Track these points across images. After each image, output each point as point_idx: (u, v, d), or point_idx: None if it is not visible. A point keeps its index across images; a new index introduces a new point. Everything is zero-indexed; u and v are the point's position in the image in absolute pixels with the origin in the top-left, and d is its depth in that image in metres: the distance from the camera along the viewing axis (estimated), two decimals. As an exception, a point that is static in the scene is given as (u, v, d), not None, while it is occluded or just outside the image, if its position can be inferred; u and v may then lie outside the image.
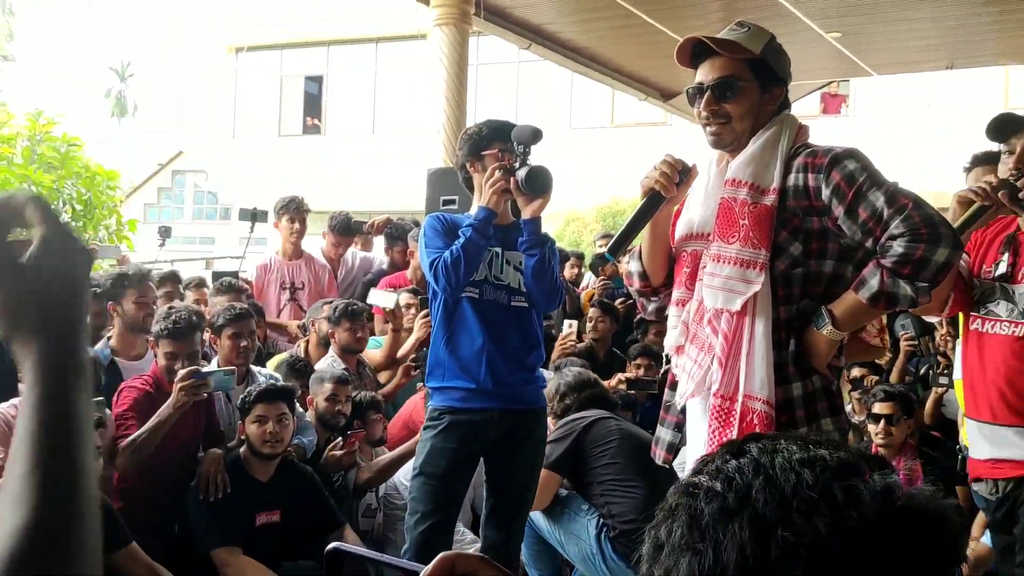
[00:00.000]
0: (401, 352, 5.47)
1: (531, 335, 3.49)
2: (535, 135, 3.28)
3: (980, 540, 4.26)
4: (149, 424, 3.87)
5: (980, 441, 2.96)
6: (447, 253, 3.30)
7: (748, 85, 2.55)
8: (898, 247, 2.30)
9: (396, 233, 6.73)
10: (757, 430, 2.42)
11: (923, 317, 4.14)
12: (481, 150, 3.46)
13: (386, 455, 4.56)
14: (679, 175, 2.61)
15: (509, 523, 3.58)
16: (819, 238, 2.46)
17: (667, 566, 0.82)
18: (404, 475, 4.38)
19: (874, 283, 2.36)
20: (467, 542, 4.22)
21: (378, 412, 4.81)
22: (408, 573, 0.78)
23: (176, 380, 3.87)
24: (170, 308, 4.29)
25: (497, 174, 3.31)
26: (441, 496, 3.41)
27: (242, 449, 4.06)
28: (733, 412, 2.48)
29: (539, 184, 3.28)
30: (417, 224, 6.41)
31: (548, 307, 3.58)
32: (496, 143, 3.44)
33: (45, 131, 9.19)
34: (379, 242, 7.23)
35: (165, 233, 7.85)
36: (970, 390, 3.00)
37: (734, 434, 2.48)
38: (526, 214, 3.36)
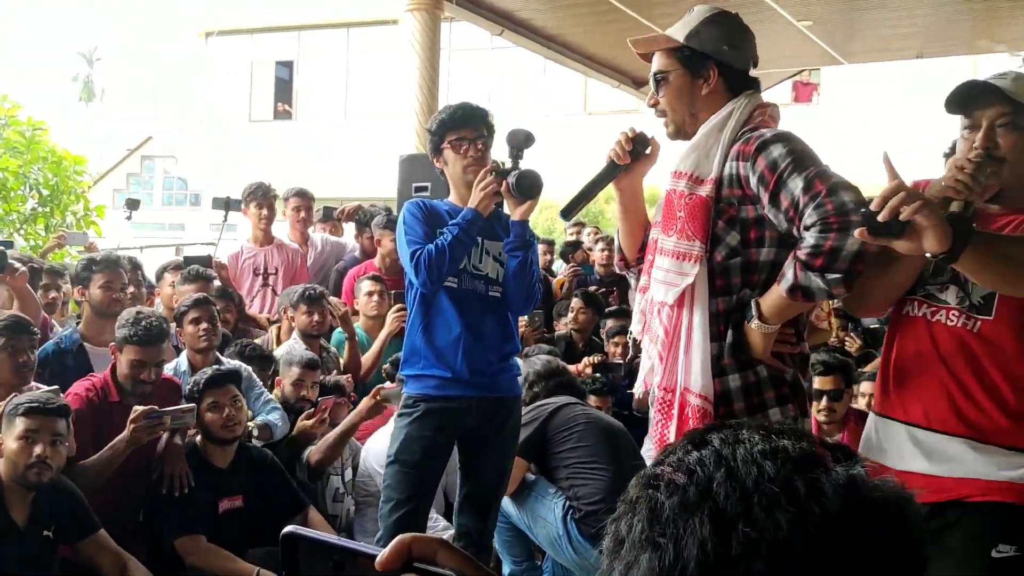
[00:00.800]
0: (374, 348, 5.46)
1: (507, 325, 3.50)
2: (528, 139, 3.29)
3: None
4: (101, 455, 3.71)
5: (903, 448, 2.40)
6: (431, 247, 3.29)
7: (675, 75, 2.55)
8: (809, 238, 2.25)
9: (366, 219, 6.70)
10: (691, 424, 2.41)
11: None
12: (439, 146, 3.47)
13: (331, 432, 4.49)
14: (634, 144, 2.64)
15: (484, 510, 3.59)
16: (756, 226, 2.43)
17: (628, 561, 0.80)
18: (377, 461, 4.37)
19: (789, 275, 2.31)
20: (440, 529, 4.22)
21: (342, 396, 4.79)
22: (366, 557, 0.77)
23: (130, 420, 3.67)
24: (138, 313, 4.04)
25: (488, 178, 3.31)
26: (416, 484, 3.41)
27: (198, 438, 4.01)
28: (674, 405, 2.49)
29: (530, 189, 3.30)
30: (389, 212, 6.38)
31: (523, 309, 3.59)
32: (449, 135, 3.44)
33: (10, 115, 9.06)
34: (349, 228, 7.19)
35: (132, 205, 7.46)
36: (895, 384, 2.46)
37: (672, 427, 2.49)
38: (515, 216, 3.38)
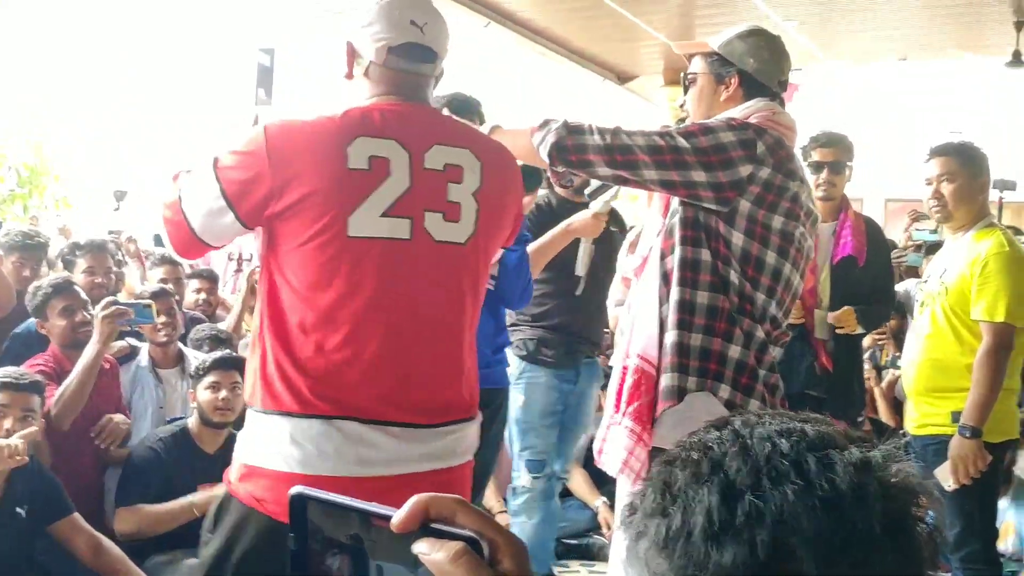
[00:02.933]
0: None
1: (500, 317, 3.54)
2: None
3: None
4: (76, 369, 3.74)
5: None
6: None
7: (702, 78, 2.70)
8: None
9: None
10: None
11: None
12: None
13: None
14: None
15: (471, 498, 3.61)
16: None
17: (638, 530, 0.82)
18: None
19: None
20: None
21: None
22: (380, 518, 0.74)
23: (98, 311, 3.75)
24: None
25: None
26: None
27: (191, 420, 4.00)
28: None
29: (529, 183, 3.29)
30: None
31: (518, 304, 3.60)
32: None
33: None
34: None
35: (120, 196, 7.42)
36: None
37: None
38: None
